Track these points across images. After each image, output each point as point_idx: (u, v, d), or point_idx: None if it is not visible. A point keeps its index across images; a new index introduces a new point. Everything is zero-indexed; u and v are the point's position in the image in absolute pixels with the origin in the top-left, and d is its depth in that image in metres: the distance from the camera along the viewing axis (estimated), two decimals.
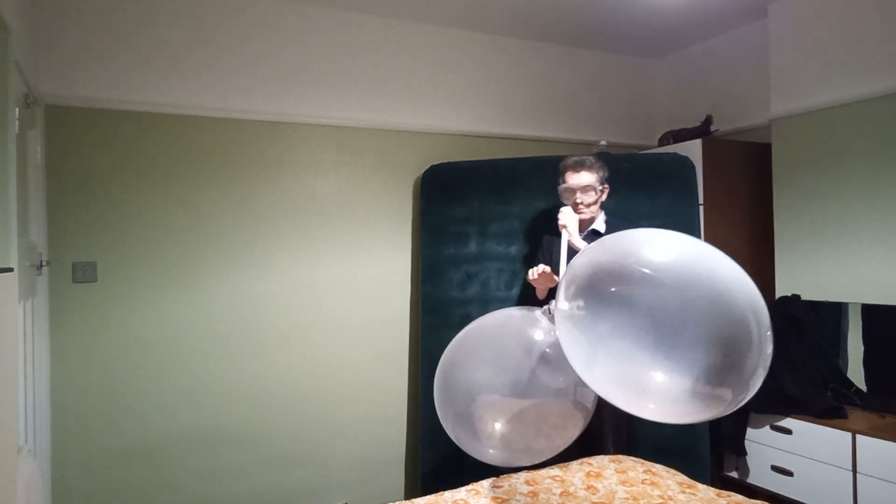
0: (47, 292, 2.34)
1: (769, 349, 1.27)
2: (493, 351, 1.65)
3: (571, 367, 1.47)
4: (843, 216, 2.54)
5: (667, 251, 1.36)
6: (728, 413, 1.33)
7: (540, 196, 2.72)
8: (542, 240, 2.43)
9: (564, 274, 1.52)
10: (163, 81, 2.54)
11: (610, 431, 2.22)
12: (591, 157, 2.25)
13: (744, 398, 1.28)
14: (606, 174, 2.25)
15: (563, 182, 2.23)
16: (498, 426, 1.60)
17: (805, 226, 2.68)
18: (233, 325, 2.66)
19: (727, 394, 1.26)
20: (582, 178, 2.20)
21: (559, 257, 1.99)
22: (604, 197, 2.25)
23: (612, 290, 1.35)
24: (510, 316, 1.72)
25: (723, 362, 1.25)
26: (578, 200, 2.18)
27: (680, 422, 1.40)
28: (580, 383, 1.55)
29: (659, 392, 1.31)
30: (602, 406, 2.18)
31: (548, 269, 2.02)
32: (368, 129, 2.97)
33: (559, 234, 2.31)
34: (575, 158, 2.25)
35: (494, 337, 1.68)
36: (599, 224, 2.25)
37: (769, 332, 1.27)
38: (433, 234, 2.83)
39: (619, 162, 2.80)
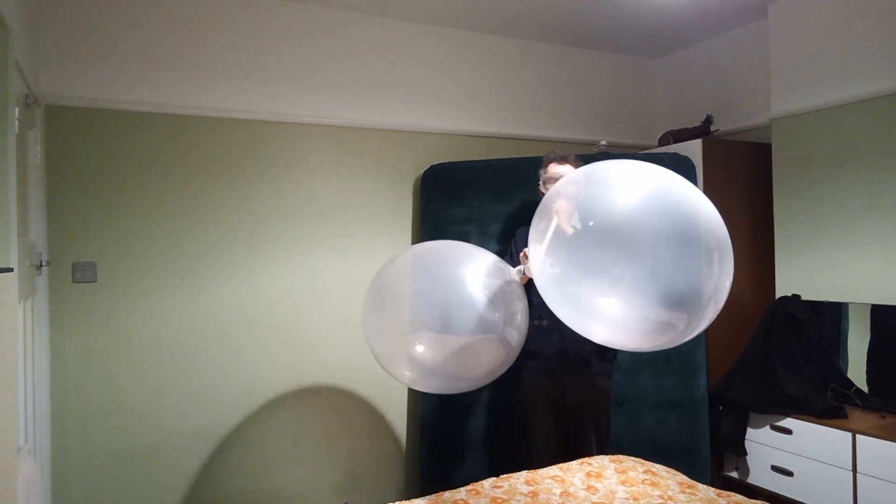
0: (47, 292, 2.34)
1: (727, 284, 1.37)
2: (440, 284, 1.72)
3: (507, 309, 1.65)
4: (843, 216, 2.54)
5: (640, 184, 1.47)
6: (683, 341, 1.40)
7: (540, 196, 2.73)
8: (514, 233, 2.42)
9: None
10: (163, 81, 2.54)
11: (592, 430, 2.24)
12: (574, 154, 2.29)
13: (697, 326, 1.36)
14: None
15: (546, 172, 2.25)
16: (421, 350, 1.67)
17: (805, 226, 2.68)
18: (233, 324, 2.66)
19: (682, 320, 1.34)
20: (566, 169, 2.21)
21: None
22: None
23: (591, 224, 1.43)
24: (475, 258, 1.78)
25: (683, 290, 1.33)
26: None
27: (637, 348, 1.50)
28: (508, 324, 1.67)
29: (616, 318, 1.40)
30: (584, 406, 2.22)
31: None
32: (368, 129, 2.97)
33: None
34: (559, 152, 2.29)
35: (447, 268, 1.75)
36: (576, 221, 2.26)
37: (729, 268, 1.37)
38: (433, 234, 2.83)
39: None
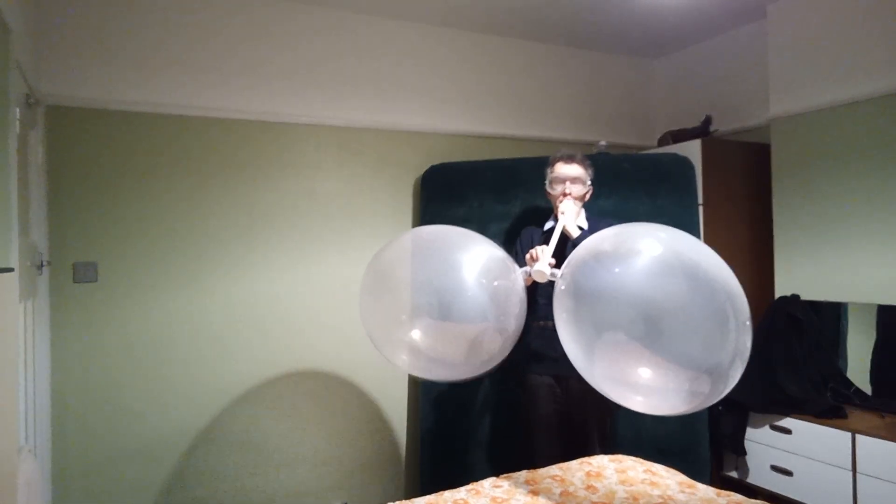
0: (48, 292, 2.34)
1: (747, 340, 1.31)
2: (440, 269, 1.68)
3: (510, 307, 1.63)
4: (843, 216, 2.54)
5: (655, 243, 1.44)
6: (710, 404, 1.37)
7: (540, 196, 2.73)
8: (520, 233, 2.41)
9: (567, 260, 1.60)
10: (163, 81, 2.55)
11: (596, 431, 2.24)
12: (581, 153, 2.27)
13: (724, 389, 1.33)
14: (593, 174, 2.25)
15: (552, 172, 2.24)
16: (418, 336, 1.64)
17: (804, 226, 2.68)
18: (233, 324, 2.66)
19: (706, 384, 1.32)
20: (572, 170, 2.20)
21: (545, 242, 2.00)
22: (587, 196, 2.25)
23: (616, 270, 1.42)
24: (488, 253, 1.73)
25: (702, 354, 1.30)
26: (567, 191, 2.18)
27: (666, 413, 1.45)
28: (505, 313, 1.64)
29: (647, 386, 1.36)
30: (588, 405, 2.22)
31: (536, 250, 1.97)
32: (368, 129, 2.97)
33: (540, 226, 2.33)
34: (566, 151, 2.27)
35: (455, 253, 1.70)
36: (582, 221, 2.27)
37: (748, 323, 1.32)
38: None
39: (618, 162, 2.80)
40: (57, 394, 2.36)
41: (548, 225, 2.31)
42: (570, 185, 2.18)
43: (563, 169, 2.21)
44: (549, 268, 1.76)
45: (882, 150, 2.41)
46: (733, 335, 1.29)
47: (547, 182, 2.25)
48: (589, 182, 2.23)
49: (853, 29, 2.52)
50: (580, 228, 2.22)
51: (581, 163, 2.22)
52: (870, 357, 2.57)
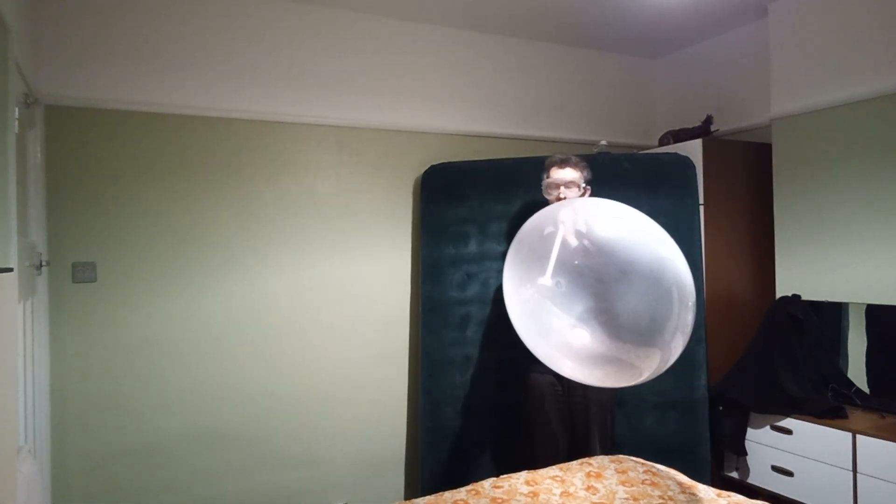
0: (47, 292, 2.34)
1: (690, 317, 1.44)
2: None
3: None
4: (844, 216, 2.54)
5: (614, 227, 1.56)
6: (658, 374, 1.47)
7: (540, 196, 2.73)
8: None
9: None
10: (163, 81, 2.54)
11: (597, 431, 2.24)
12: (576, 156, 2.28)
13: (667, 359, 1.43)
14: (590, 176, 2.27)
15: (548, 177, 2.25)
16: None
17: (805, 226, 2.68)
18: (233, 324, 2.66)
19: (654, 354, 1.42)
20: (566, 174, 2.22)
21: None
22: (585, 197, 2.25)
23: (575, 262, 1.53)
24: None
25: (648, 327, 1.41)
26: (562, 196, 2.20)
27: (606, 385, 1.55)
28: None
29: (583, 353, 1.46)
30: (589, 405, 2.22)
31: None
32: (368, 129, 2.97)
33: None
34: (560, 155, 2.28)
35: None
36: (582, 224, 2.26)
37: (691, 303, 1.44)
38: (433, 234, 2.83)
39: (619, 162, 2.80)
40: (56, 394, 2.36)
41: (548, 228, 2.30)
42: (565, 189, 2.20)
43: (557, 174, 2.23)
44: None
45: (884, 149, 2.41)
46: (675, 312, 1.40)
47: (543, 187, 2.26)
48: (584, 184, 2.24)
49: (855, 28, 2.51)
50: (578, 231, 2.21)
51: (575, 166, 2.23)
52: (865, 357, 2.56)
